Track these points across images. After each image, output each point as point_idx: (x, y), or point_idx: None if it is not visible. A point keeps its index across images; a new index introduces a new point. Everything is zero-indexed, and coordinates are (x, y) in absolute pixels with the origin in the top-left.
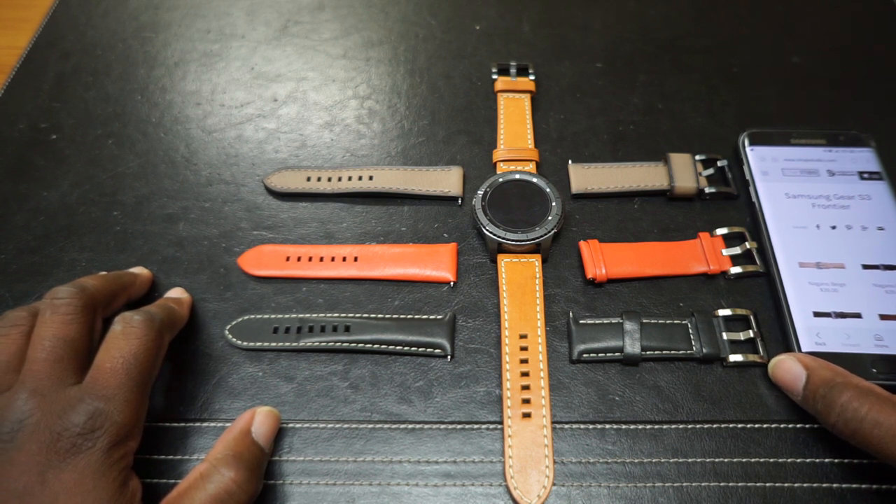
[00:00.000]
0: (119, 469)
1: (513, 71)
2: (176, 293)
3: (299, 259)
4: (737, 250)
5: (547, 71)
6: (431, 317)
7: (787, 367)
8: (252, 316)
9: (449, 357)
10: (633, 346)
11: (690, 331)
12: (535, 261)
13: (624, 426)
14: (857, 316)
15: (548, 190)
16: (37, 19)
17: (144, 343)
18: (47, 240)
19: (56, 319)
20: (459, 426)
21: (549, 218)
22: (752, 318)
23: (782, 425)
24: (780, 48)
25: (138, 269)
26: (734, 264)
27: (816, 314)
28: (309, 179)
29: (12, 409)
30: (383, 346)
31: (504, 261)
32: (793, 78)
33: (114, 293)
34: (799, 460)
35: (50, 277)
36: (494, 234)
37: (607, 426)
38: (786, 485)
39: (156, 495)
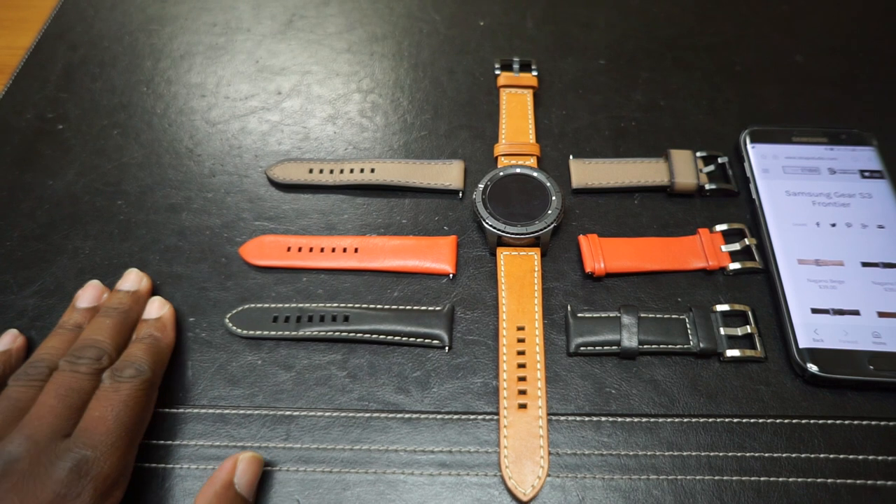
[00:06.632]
0: None
1: (516, 66)
2: (155, 309)
3: (300, 249)
4: (736, 247)
5: (550, 67)
6: (430, 308)
7: None
8: (252, 305)
9: (447, 348)
10: (630, 340)
11: (688, 325)
12: (535, 254)
13: (620, 419)
14: (856, 313)
15: (548, 184)
16: (37, 19)
17: (134, 395)
18: (52, 228)
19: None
20: (456, 416)
21: (549, 212)
22: (750, 313)
23: (777, 420)
24: (783, 47)
25: (135, 279)
26: (733, 260)
27: (815, 311)
28: (311, 171)
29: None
30: (382, 337)
31: (503, 254)
32: (795, 76)
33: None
34: (794, 455)
35: (54, 265)
36: (494, 228)
37: (603, 419)
38: (780, 479)
39: (155, 479)
